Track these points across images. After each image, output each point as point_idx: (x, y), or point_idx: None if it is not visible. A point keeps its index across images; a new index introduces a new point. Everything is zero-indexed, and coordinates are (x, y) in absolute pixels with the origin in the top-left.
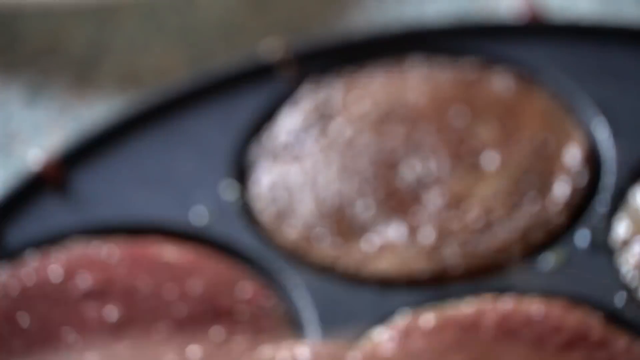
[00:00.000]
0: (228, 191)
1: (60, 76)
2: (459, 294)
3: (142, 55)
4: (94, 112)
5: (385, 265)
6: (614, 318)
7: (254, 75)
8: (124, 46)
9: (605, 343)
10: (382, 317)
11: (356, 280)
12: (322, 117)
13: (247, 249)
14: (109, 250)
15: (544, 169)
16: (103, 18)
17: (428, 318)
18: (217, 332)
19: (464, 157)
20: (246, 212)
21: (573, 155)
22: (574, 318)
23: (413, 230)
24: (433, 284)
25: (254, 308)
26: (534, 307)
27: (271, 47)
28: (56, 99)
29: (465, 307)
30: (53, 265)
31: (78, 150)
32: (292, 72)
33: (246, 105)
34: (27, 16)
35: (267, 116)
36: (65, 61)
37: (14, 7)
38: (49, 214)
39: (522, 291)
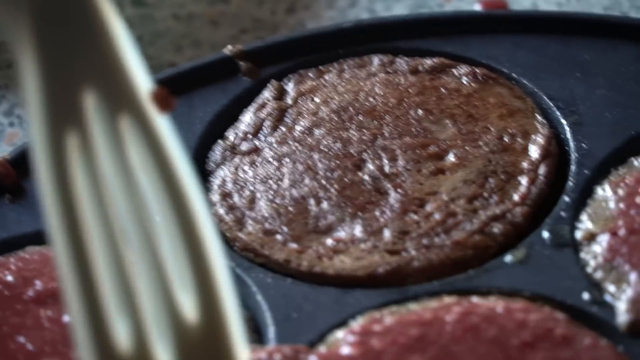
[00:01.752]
0: None
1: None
2: (420, 293)
3: None
4: None
5: (344, 264)
6: (579, 315)
7: (214, 74)
8: None
9: (570, 340)
10: (342, 318)
11: (315, 280)
12: (280, 112)
13: None
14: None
15: (506, 165)
16: None
17: (388, 318)
18: None
19: (424, 153)
20: None
21: (536, 150)
22: (538, 315)
23: (372, 229)
24: (393, 283)
25: None
26: (497, 304)
27: (232, 47)
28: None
29: (426, 306)
30: (8, 271)
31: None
32: (252, 70)
33: (206, 103)
34: None
35: (226, 113)
36: None
37: None
38: (6, 220)
39: (484, 289)
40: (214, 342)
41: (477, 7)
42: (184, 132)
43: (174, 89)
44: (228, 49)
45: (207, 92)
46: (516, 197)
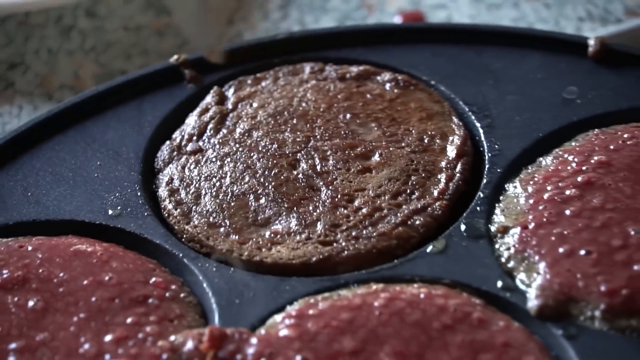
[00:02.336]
0: (138, 187)
1: None
2: (350, 281)
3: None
4: (5, 120)
5: (281, 254)
6: (493, 300)
7: (162, 81)
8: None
9: (485, 323)
10: (280, 303)
11: (254, 269)
12: (222, 116)
13: (156, 240)
14: (26, 246)
15: (426, 164)
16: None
17: (322, 303)
18: (130, 318)
19: (352, 154)
20: (154, 206)
21: (453, 150)
22: (456, 300)
23: (306, 222)
24: (326, 272)
25: (164, 296)
26: (419, 291)
27: (177, 56)
28: None
29: (356, 293)
30: None
31: None
32: (195, 78)
33: (153, 108)
34: None
35: (173, 117)
36: None
37: None
38: None
39: (408, 277)
40: None
41: (398, 19)
42: (134, 134)
43: (124, 95)
44: (174, 58)
45: (155, 97)
46: (435, 193)
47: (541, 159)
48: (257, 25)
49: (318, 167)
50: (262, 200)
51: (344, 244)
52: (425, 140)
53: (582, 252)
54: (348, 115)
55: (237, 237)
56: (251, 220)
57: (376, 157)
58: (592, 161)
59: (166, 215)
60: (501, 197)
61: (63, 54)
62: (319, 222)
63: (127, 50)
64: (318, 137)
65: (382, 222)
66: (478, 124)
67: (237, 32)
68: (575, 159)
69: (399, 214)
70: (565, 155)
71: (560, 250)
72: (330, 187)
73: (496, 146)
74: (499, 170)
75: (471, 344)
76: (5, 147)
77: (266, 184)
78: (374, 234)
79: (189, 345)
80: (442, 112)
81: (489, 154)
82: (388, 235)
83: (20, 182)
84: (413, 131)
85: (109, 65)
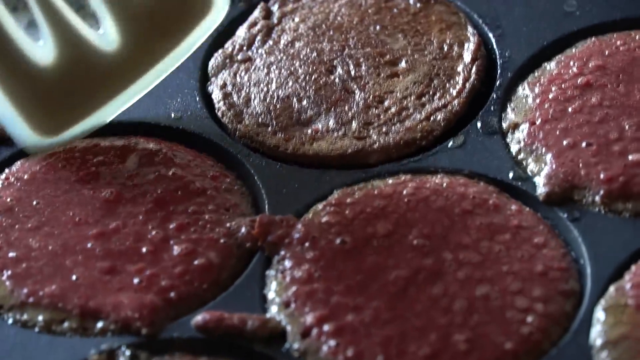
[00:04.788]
0: (197, 93)
1: None
2: (382, 173)
3: None
4: None
5: (321, 147)
6: (507, 188)
7: None
8: None
9: (500, 208)
10: (322, 193)
11: (298, 161)
12: (268, 29)
13: (213, 139)
14: (100, 144)
15: (446, 69)
16: None
17: (358, 192)
18: (191, 208)
19: (382, 61)
20: (210, 108)
21: (469, 55)
22: (475, 189)
23: (342, 121)
24: (359, 162)
25: (220, 188)
26: (442, 180)
27: None
28: None
29: (387, 183)
30: (55, 158)
31: None
32: None
33: None
34: None
35: (226, 32)
36: None
37: None
38: None
39: (432, 168)
40: None
41: None
42: None
43: None
44: None
45: None
46: (454, 92)
47: (546, 64)
48: None
49: (352, 72)
50: (304, 102)
51: (375, 137)
52: (445, 48)
53: (584, 144)
54: (378, 27)
55: (282, 134)
56: (295, 120)
57: (402, 64)
58: (590, 65)
59: (220, 115)
60: (512, 98)
61: None
62: (353, 121)
63: None
64: (352, 46)
65: (409, 119)
66: (490, 34)
67: None
68: (576, 64)
69: (422, 112)
70: (567, 61)
71: (564, 142)
72: (363, 90)
73: (506, 53)
74: (509, 74)
75: (488, 226)
76: None
77: (307, 88)
78: (401, 129)
79: (243, 230)
80: (459, 23)
81: (501, 60)
82: (413, 129)
83: None
84: (434, 40)
85: None
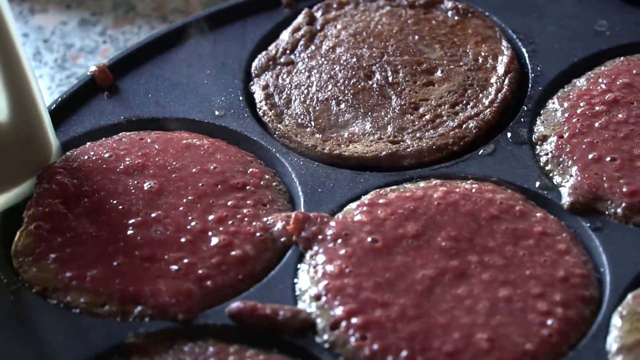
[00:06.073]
0: (240, 92)
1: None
2: (414, 176)
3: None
4: (127, 37)
5: (356, 149)
6: (533, 197)
7: (261, 5)
8: None
9: (526, 214)
10: (356, 193)
11: (334, 162)
12: (311, 35)
13: (253, 137)
14: (146, 138)
15: (480, 80)
16: None
17: (390, 194)
18: (230, 202)
19: (419, 69)
20: (252, 108)
21: (502, 68)
22: (502, 195)
23: (378, 125)
24: (393, 165)
25: (259, 184)
26: (472, 186)
27: None
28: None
29: (418, 186)
30: (106, 150)
31: (123, 62)
32: (290, 3)
33: (255, 28)
34: None
35: (270, 35)
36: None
37: None
38: (104, 112)
39: (462, 174)
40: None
41: None
42: (238, 49)
43: (229, 18)
44: None
45: (256, 19)
46: (487, 102)
47: (575, 80)
48: None
49: (390, 79)
50: (342, 106)
51: (409, 142)
52: (480, 60)
53: (608, 158)
54: (416, 37)
55: (320, 135)
56: (332, 122)
57: (438, 73)
58: (618, 83)
59: (262, 114)
60: (542, 111)
61: None
62: (389, 125)
63: None
64: (390, 53)
65: (442, 126)
66: (524, 49)
67: None
68: (604, 81)
69: (455, 120)
70: (596, 78)
71: (590, 156)
72: (400, 96)
73: (538, 68)
74: (540, 88)
75: (513, 231)
76: (130, 57)
77: (346, 92)
78: (434, 135)
79: (279, 225)
80: (494, 37)
81: (532, 75)
82: (446, 135)
83: (143, 85)
84: (470, 52)
85: None
